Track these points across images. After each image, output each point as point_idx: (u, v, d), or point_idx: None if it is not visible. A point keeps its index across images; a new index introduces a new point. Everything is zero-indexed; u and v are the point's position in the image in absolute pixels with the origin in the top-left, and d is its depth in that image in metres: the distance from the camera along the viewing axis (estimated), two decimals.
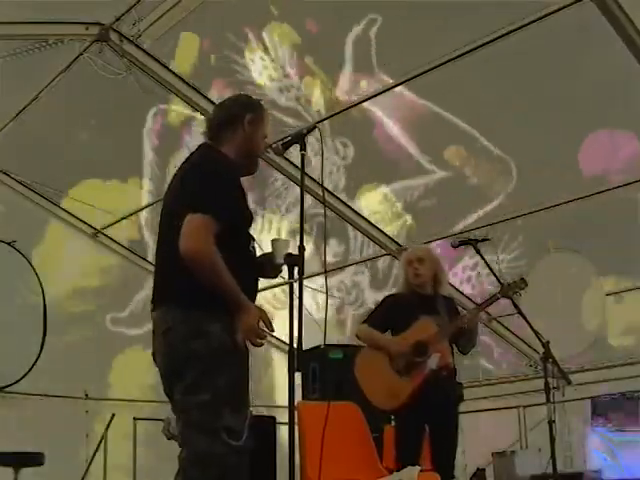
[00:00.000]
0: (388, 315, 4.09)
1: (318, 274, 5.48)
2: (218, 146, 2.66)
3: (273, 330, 2.47)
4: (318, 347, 5.89)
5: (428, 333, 3.97)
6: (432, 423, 3.91)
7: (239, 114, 2.70)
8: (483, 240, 3.82)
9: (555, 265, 5.91)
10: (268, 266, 2.70)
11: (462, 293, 6.41)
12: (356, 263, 6.64)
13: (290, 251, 2.68)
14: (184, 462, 2.37)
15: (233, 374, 2.40)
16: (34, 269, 5.98)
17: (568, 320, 5.94)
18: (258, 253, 2.71)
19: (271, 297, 6.93)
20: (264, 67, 4.95)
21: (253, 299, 2.56)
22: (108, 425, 5.98)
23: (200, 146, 2.71)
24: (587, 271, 5.77)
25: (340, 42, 4.70)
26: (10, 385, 5.56)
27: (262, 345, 2.45)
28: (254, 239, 2.65)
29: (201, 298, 2.38)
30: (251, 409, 2.49)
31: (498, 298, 4.02)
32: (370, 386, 3.98)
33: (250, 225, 2.64)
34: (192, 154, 2.68)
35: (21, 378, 5.62)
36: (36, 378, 5.73)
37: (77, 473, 5.76)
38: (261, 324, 2.45)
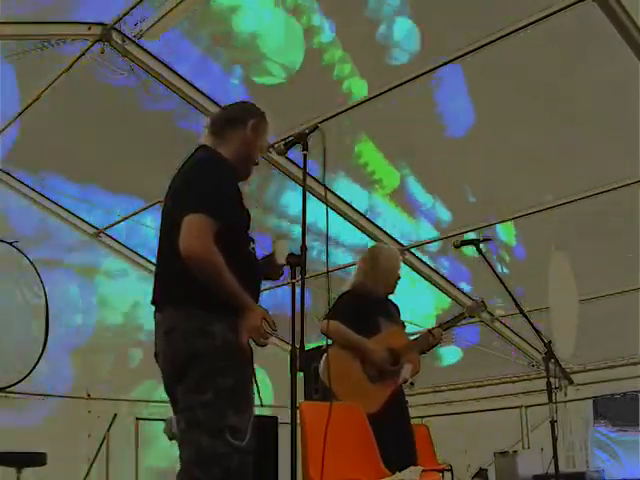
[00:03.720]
0: (355, 313, 4.04)
1: (320, 274, 5.47)
2: (216, 146, 2.68)
3: (276, 330, 2.47)
4: (320, 347, 5.90)
5: (399, 342, 4.09)
6: (398, 425, 4.00)
7: (244, 117, 2.74)
8: (485, 240, 3.83)
9: (555, 265, 5.92)
10: (270, 267, 2.71)
11: None
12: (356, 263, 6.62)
13: (292, 251, 2.69)
14: (187, 462, 2.37)
15: (237, 374, 2.40)
16: (36, 269, 5.98)
17: (560, 321, 5.97)
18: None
19: None
20: None
21: (256, 300, 2.56)
22: (110, 425, 5.99)
23: (198, 148, 2.72)
24: (568, 272, 5.82)
25: None
26: (12, 385, 5.56)
27: (266, 345, 2.45)
28: (254, 241, 2.66)
29: (204, 298, 2.38)
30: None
31: (463, 318, 4.35)
32: (344, 390, 3.86)
33: (248, 226, 2.64)
34: (190, 156, 2.69)
35: (23, 378, 5.62)
36: (38, 378, 5.74)
37: (79, 473, 5.77)
38: (264, 324, 2.45)
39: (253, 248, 2.65)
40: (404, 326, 4.32)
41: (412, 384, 4.22)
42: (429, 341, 4.20)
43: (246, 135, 2.71)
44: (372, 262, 4.26)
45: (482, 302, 4.37)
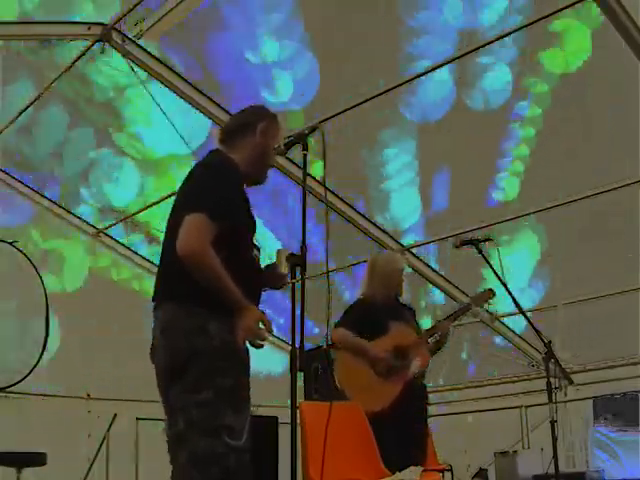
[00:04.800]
0: (362, 321, 4.14)
1: (320, 274, 5.46)
2: (229, 152, 2.69)
3: (272, 332, 2.47)
4: (320, 347, 5.91)
5: (407, 338, 4.13)
6: (410, 425, 4.01)
7: (252, 122, 2.75)
8: (486, 240, 3.82)
9: None
10: (272, 277, 2.71)
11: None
12: (357, 263, 6.62)
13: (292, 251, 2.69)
14: (184, 463, 2.37)
15: (235, 374, 2.40)
16: (36, 269, 5.97)
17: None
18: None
19: None
20: None
21: (256, 303, 2.57)
22: (110, 425, 5.99)
23: (210, 151, 2.74)
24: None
25: None
26: (12, 385, 5.56)
27: (262, 347, 2.46)
28: (258, 248, 2.67)
29: (203, 297, 2.39)
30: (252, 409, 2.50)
31: (469, 309, 4.32)
32: (353, 388, 4.04)
33: (253, 232, 2.65)
34: (202, 159, 2.71)
35: (23, 378, 5.62)
36: (38, 378, 5.73)
37: (79, 473, 5.76)
38: (261, 325, 2.45)
39: (257, 255, 2.66)
40: (418, 328, 4.32)
41: (423, 377, 4.22)
42: (437, 333, 4.25)
43: (256, 140, 2.72)
44: (370, 272, 4.39)
45: (490, 290, 4.33)
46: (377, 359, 4.05)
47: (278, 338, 6.90)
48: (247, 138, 2.72)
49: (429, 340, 4.30)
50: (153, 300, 2.58)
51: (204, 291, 2.37)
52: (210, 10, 4.49)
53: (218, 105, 5.07)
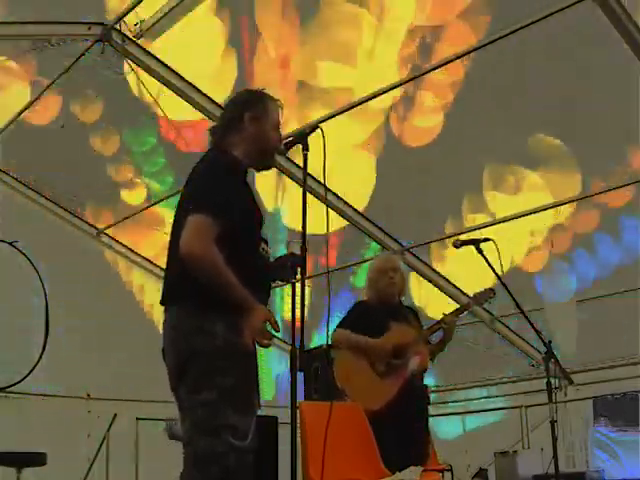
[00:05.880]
0: (361, 322, 4.15)
1: (320, 274, 5.47)
2: (228, 149, 2.66)
3: (278, 330, 2.46)
4: (320, 346, 5.91)
5: (406, 337, 4.13)
6: (410, 425, 3.98)
7: (238, 115, 2.70)
8: (485, 240, 3.82)
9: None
10: (282, 269, 2.69)
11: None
12: (357, 263, 6.63)
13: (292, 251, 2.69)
14: (186, 462, 2.37)
15: (238, 374, 2.39)
16: (36, 269, 5.96)
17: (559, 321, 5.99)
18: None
19: None
20: None
21: (264, 300, 2.56)
22: (110, 425, 5.99)
23: (209, 149, 2.72)
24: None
25: None
26: (12, 385, 5.55)
27: (269, 346, 2.45)
28: (267, 241, 2.65)
29: (205, 297, 2.38)
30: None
31: (470, 308, 4.33)
32: (353, 387, 4.06)
33: (260, 225, 2.63)
34: (201, 159, 2.68)
35: (23, 378, 5.60)
36: (38, 378, 5.73)
37: (79, 473, 5.76)
38: (267, 325, 2.44)
39: (264, 249, 2.63)
40: (421, 329, 4.31)
41: (422, 376, 4.21)
42: (442, 326, 4.21)
43: (248, 131, 2.68)
44: (367, 275, 4.43)
45: (491, 290, 4.32)
46: (378, 350, 4.06)
47: (278, 338, 6.91)
48: (240, 132, 2.67)
49: (431, 338, 4.29)
50: (161, 303, 2.58)
51: (204, 291, 2.36)
52: None
53: (218, 105, 5.07)
